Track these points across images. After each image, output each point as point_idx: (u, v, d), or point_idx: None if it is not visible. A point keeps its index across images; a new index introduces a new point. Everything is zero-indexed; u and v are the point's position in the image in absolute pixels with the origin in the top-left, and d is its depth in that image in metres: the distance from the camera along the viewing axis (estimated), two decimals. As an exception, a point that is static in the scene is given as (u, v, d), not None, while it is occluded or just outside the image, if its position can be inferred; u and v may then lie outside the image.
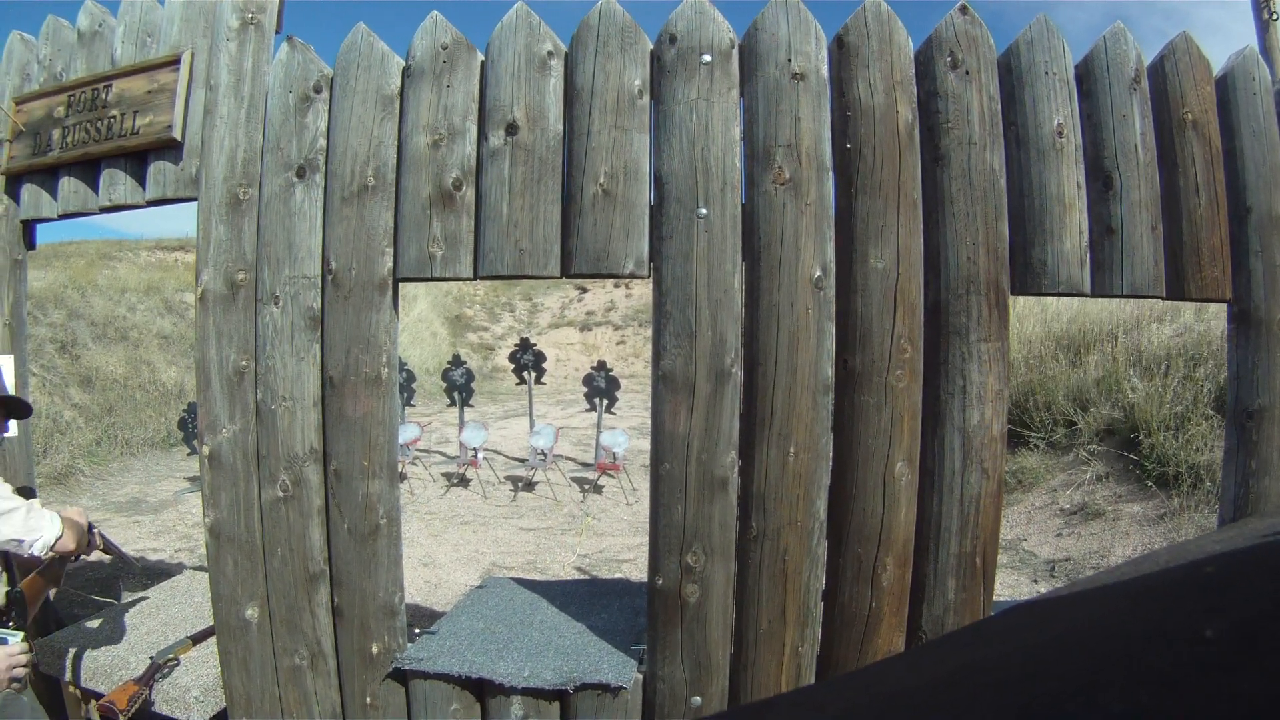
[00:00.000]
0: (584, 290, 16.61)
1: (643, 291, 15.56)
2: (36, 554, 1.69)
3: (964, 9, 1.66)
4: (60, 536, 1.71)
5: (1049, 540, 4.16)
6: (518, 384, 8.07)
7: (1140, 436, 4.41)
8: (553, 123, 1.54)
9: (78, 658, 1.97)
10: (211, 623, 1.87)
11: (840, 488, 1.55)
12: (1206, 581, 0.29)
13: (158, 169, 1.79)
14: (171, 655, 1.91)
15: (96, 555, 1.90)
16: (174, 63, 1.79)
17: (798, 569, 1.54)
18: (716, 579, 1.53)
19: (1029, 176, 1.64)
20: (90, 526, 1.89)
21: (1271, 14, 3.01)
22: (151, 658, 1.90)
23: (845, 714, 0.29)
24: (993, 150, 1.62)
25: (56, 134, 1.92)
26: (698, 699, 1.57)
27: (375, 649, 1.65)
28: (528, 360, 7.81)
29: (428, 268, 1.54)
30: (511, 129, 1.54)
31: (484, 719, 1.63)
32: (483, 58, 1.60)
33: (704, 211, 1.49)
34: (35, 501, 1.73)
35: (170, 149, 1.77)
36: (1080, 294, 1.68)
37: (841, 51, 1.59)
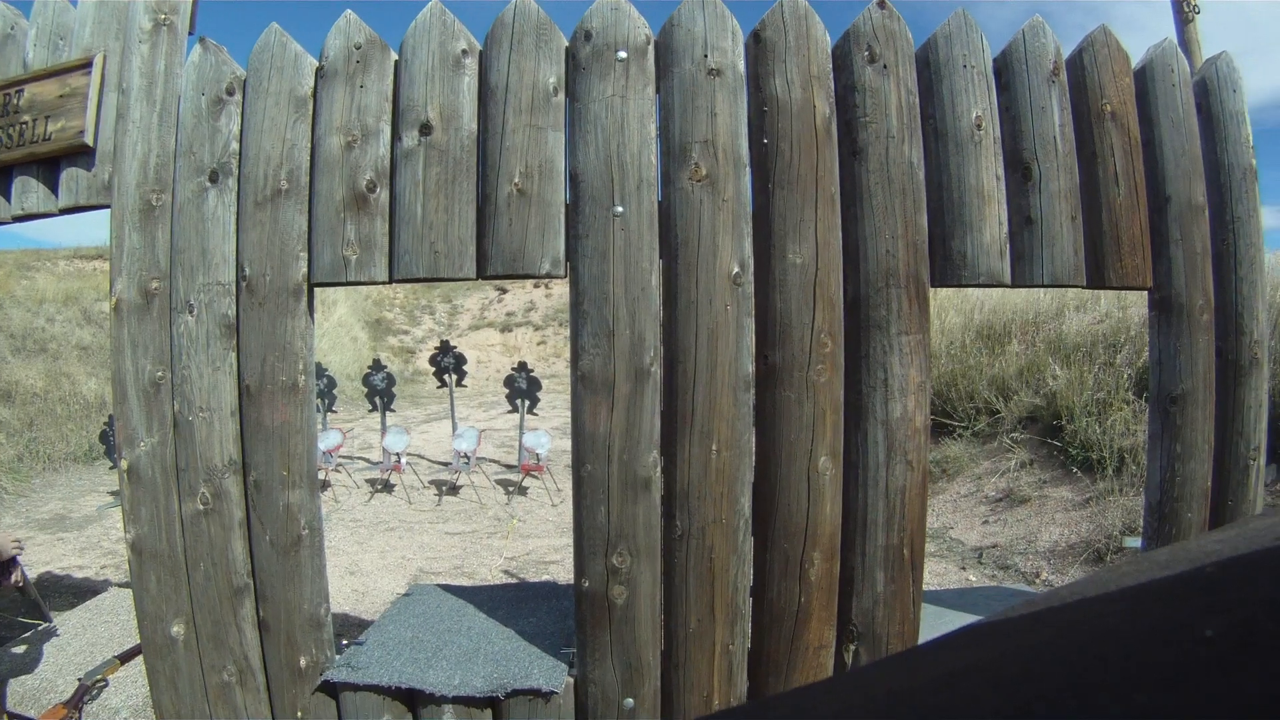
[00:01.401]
0: (504, 291, 16.62)
1: (562, 291, 15.61)
2: None
3: (881, 4, 1.67)
4: None
5: (976, 527, 4.22)
6: (439, 387, 7.98)
7: (1063, 423, 4.49)
8: (467, 122, 1.52)
9: (5, 682, 1.91)
10: (139, 641, 1.83)
11: (764, 484, 1.56)
12: (1207, 582, 0.29)
13: (70, 176, 1.74)
14: (100, 676, 1.86)
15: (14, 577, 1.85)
16: (86, 66, 1.75)
17: (724, 567, 1.54)
18: (643, 579, 1.52)
19: (948, 169, 1.65)
20: (14, 559, 1.84)
21: (1191, 8, 3.08)
22: (80, 679, 1.85)
23: (839, 715, 0.29)
24: (911, 143, 1.63)
25: (-34, 142, 1.86)
26: (630, 701, 1.56)
27: (303, 662, 1.62)
28: (448, 363, 7.72)
29: (343, 272, 1.52)
30: (425, 129, 1.52)
31: (415, 728, 1.61)
32: (396, 57, 1.58)
33: (620, 209, 1.49)
34: None
35: (83, 155, 1.73)
36: (1001, 285, 1.70)
37: (758, 47, 1.60)
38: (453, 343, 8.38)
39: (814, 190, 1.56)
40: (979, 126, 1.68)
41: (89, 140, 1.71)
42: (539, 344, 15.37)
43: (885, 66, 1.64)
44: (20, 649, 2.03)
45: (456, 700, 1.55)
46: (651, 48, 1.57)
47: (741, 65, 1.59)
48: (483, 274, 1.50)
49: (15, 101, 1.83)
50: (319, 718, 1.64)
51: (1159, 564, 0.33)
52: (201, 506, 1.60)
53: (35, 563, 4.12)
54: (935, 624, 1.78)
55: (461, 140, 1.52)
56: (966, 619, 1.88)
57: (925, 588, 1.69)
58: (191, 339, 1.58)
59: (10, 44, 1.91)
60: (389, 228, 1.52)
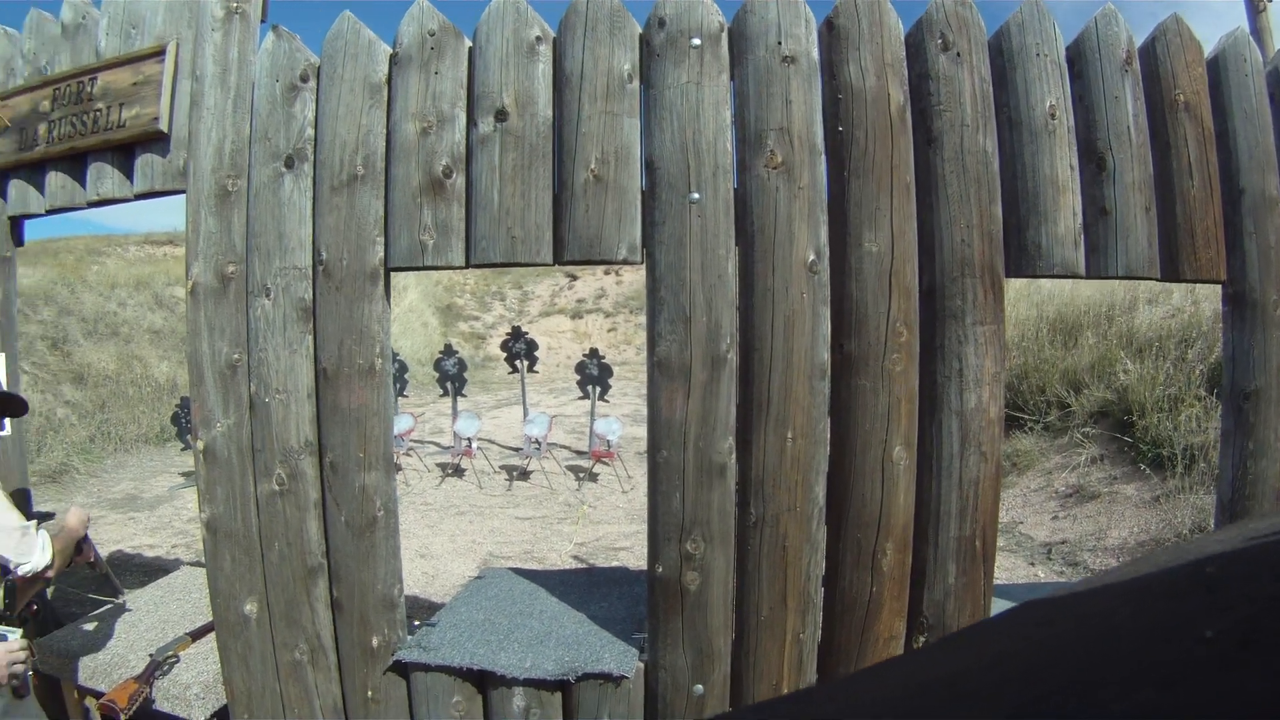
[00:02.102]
0: (574, 278, 16.57)
1: (633, 279, 15.55)
2: (21, 575, 1.69)
3: (955, -10, 1.66)
4: (50, 566, 1.71)
5: (1045, 523, 4.18)
6: (510, 373, 8.03)
7: (1134, 418, 4.43)
8: (542, 108, 1.53)
9: (77, 657, 1.95)
10: (210, 619, 1.86)
11: (839, 473, 1.55)
12: (1207, 581, 0.29)
13: (145, 161, 1.77)
14: (171, 652, 1.90)
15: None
16: (159, 54, 1.77)
17: (798, 555, 1.54)
18: (717, 566, 1.53)
19: (1022, 158, 1.64)
20: (86, 538, 1.88)
21: (1263, -3, 3.01)
22: (151, 655, 1.89)
23: (843, 715, 0.29)
24: (985, 132, 1.61)
25: (42, 128, 1.90)
26: (699, 687, 1.57)
27: (375, 642, 1.64)
28: (520, 349, 7.77)
29: (420, 256, 1.53)
30: (501, 115, 1.52)
31: (486, 710, 1.63)
32: (470, 44, 1.58)
33: (696, 196, 1.48)
34: (32, 525, 1.72)
35: (157, 141, 1.75)
36: (1075, 276, 1.68)
37: (831, 34, 1.58)
38: (524, 329, 8.43)
39: (889, 179, 1.55)
40: (1053, 116, 1.66)
41: (164, 126, 1.74)
42: (609, 331, 15.32)
43: (959, 54, 1.62)
44: (91, 625, 2.07)
45: (527, 682, 1.56)
46: (725, 34, 1.56)
47: (815, 52, 1.57)
48: (559, 259, 1.50)
49: (89, 89, 1.86)
50: (389, 697, 1.66)
51: (1159, 564, 0.33)
52: (277, 487, 1.62)
53: (106, 541, 4.22)
54: (1003, 617, 1.76)
55: (537, 126, 1.52)
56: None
57: (994, 582, 1.68)
58: (268, 322, 1.60)
59: (82, 33, 1.94)
60: (465, 213, 1.53)
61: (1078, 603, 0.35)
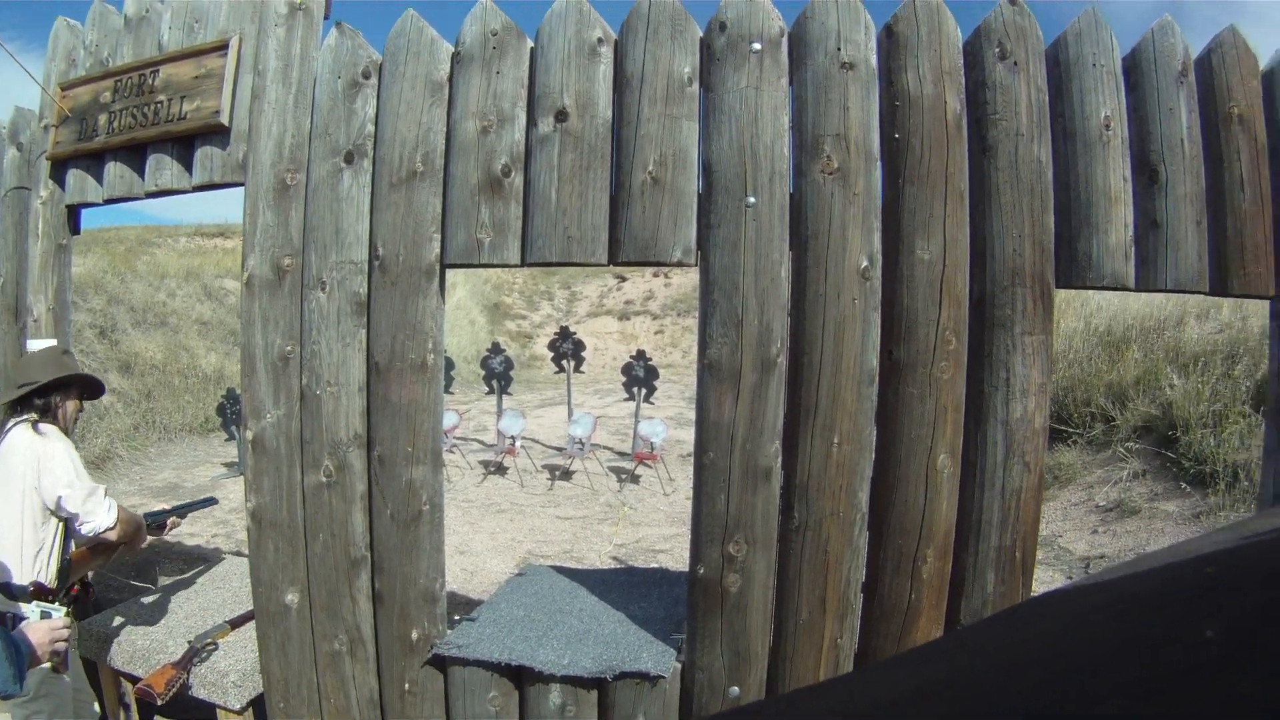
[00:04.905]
0: (623, 279, 16.52)
1: (681, 281, 15.53)
2: (83, 534, 1.73)
3: (1013, 0, 1.66)
4: (112, 528, 1.75)
5: (1084, 537, 4.14)
6: (556, 372, 8.08)
7: (1178, 434, 4.39)
8: (602, 110, 1.54)
9: (115, 641, 1.98)
10: (250, 608, 1.89)
11: (883, 479, 1.55)
12: (1206, 582, 0.29)
13: (205, 154, 1.80)
14: (210, 640, 1.92)
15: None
16: (222, 48, 1.81)
17: (839, 560, 1.53)
18: (758, 569, 1.53)
19: (1075, 169, 1.63)
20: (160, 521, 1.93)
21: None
22: (190, 642, 1.91)
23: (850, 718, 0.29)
24: (1040, 142, 1.61)
25: (103, 119, 1.94)
26: (735, 689, 1.57)
27: (415, 635, 1.65)
28: (567, 349, 7.83)
29: (476, 254, 1.55)
30: (561, 115, 1.54)
31: (522, 706, 1.63)
32: (532, 44, 1.60)
33: (752, 200, 1.49)
34: (102, 488, 1.76)
35: (217, 134, 1.79)
36: (1124, 288, 1.67)
37: (890, 41, 1.59)
38: (571, 329, 8.45)
39: (944, 186, 1.55)
40: (1108, 127, 1.65)
41: (224, 120, 1.77)
42: (656, 333, 15.30)
43: (1016, 64, 1.62)
44: (131, 611, 2.10)
45: (565, 679, 1.57)
46: (785, 40, 1.57)
47: (874, 59, 1.58)
48: (614, 260, 1.51)
49: (151, 82, 1.90)
50: (426, 691, 1.68)
51: (1156, 564, 0.33)
52: (324, 479, 1.64)
53: (146, 529, 4.31)
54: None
55: (596, 128, 1.54)
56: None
57: (1032, 594, 1.67)
58: (323, 315, 1.62)
59: (145, 26, 1.98)
60: (523, 211, 1.55)
61: (1071, 604, 0.35)
